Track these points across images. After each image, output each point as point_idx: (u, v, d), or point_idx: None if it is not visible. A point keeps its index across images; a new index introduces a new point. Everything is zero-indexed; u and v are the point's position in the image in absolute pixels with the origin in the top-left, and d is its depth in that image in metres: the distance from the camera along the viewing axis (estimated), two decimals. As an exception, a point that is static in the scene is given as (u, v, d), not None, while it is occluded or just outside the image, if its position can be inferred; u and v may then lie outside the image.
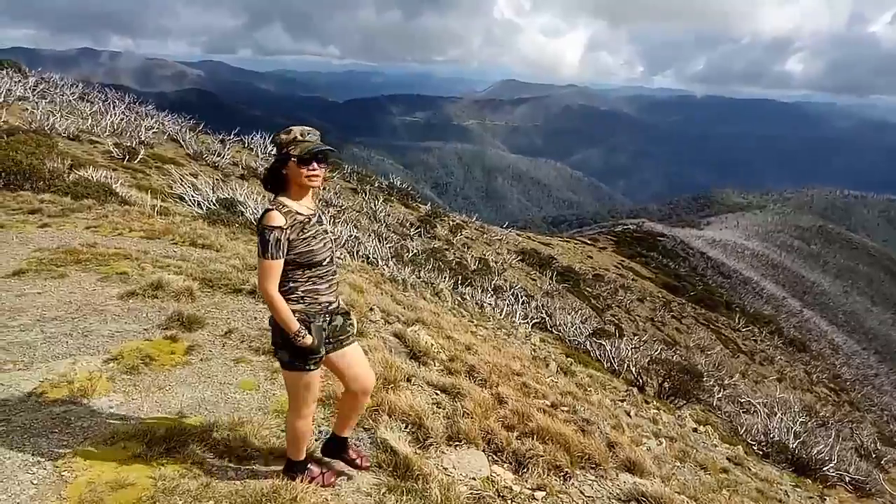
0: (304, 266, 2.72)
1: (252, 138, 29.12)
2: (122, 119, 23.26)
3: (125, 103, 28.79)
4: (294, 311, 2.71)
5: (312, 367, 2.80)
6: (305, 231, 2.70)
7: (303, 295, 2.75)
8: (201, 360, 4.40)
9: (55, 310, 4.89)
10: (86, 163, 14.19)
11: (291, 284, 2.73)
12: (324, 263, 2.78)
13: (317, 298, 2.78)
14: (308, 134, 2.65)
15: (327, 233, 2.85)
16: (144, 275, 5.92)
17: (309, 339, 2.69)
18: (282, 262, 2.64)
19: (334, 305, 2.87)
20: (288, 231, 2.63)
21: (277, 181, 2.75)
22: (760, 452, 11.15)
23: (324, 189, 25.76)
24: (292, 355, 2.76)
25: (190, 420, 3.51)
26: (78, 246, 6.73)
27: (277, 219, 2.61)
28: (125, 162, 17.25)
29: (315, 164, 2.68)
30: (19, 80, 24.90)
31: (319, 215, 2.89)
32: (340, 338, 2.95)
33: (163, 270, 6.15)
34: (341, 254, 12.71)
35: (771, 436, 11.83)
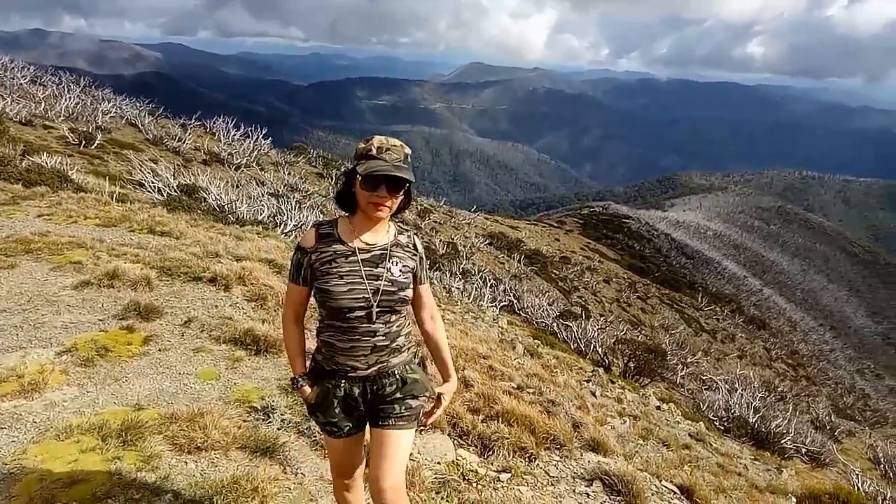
0: (323, 307, 2.17)
1: (214, 123, 28.44)
2: (77, 103, 22.44)
3: (80, 87, 27.80)
4: (315, 360, 2.28)
5: (327, 432, 2.30)
6: (335, 265, 2.13)
7: (321, 345, 2.23)
8: (159, 350, 4.29)
9: (4, 301, 4.71)
10: (39, 148, 13.67)
11: (319, 325, 2.25)
12: (346, 316, 2.12)
13: (332, 356, 2.18)
14: (387, 150, 2.06)
15: (378, 280, 2.13)
16: (100, 264, 5.74)
17: (306, 392, 2.22)
18: (304, 289, 2.20)
19: (364, 374, 2.19)
20: (313, 256, 2.15)
21: (344, 199, 2.20)
22: (722, 428, 11.49)
23: (289, 174, 25.39)
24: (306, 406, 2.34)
25: (147, 412, 3.42)
26: (29, 235, 6.49)
27: (308, 239, 2.18)
28: (81, 147, 16.71)
29: (384, 191, 2.05)
30: (-35, 63, 23.87)
31: (385, 255, 2.19)
32: (383, 414, 2.24)
33: (119, 259, 5.98)
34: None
35: (732, 411, 12.19)
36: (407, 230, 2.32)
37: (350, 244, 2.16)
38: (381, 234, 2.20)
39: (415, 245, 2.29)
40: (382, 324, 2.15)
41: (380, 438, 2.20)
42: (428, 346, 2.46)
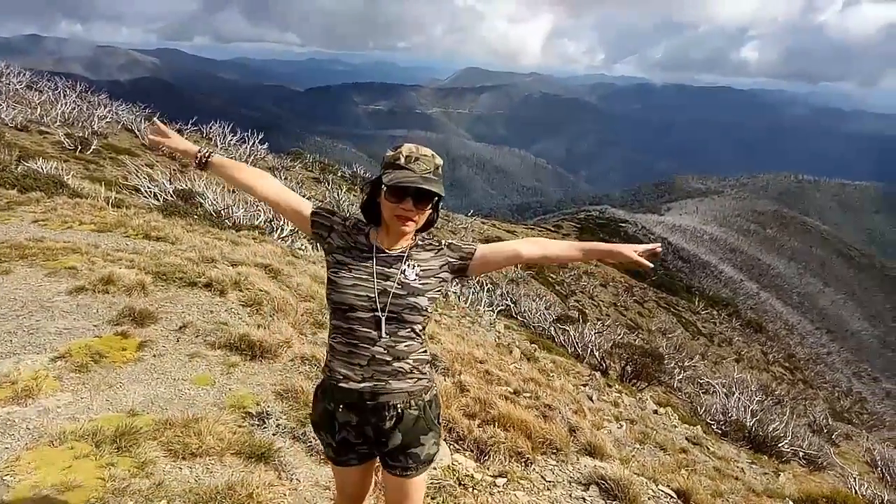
0: (329, 301, 2.01)
1: (211, 128, 28.40)
2: (73, 108, 22.40)
3: (76, 92, 27.75)
4: (324, 372, 2.10)
5: (329, 458, 2.19)
6: (348, 255, 2.02)
7: (327, 351, 2.09)
8: (154, 356, 4.28)
9: (-1, 307, 4.70)
10: (35, 154, 13.65)
11: (329, 330, 2.10)
12: (346, 315, 1.96)
13: (331, 361, 2.03)
14: (416, 161, 1.91)
15: (389, 280, 1.97)
16: (94, 269, 5.72)
17: (188, 148, 2.24)
18: (305, 216, 2.08)
19: (357, 387, 1.97)
20: (340, 229, 2.06)
21: (369, 210, 2.07)
22: (719, 431, 11.46)
23: (286, 179, 25.35)
24: None
25: (142, 418, 3.41)
26: (24, 240, 6.47)
27: (350, 217, 2.12)
28: (77, 153, 16.69)
29: (410, 204, 1.89)
30: (-39, 69, 23.85)
31: (402, 257, 2.02)
32: (391, 462, 2.07)
33: (114, 264, 5.96)
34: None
35: (729, 415, 12.16)
36: (427, 237, 2.16)
37: (370, 242, 2.03)
38: (402, 243, 2.04)
39: (438, 241, 2.11)
40: (388, 335, 1.95)
41: (394, 483, 2.10)
42: (560, 260, 2.30)
